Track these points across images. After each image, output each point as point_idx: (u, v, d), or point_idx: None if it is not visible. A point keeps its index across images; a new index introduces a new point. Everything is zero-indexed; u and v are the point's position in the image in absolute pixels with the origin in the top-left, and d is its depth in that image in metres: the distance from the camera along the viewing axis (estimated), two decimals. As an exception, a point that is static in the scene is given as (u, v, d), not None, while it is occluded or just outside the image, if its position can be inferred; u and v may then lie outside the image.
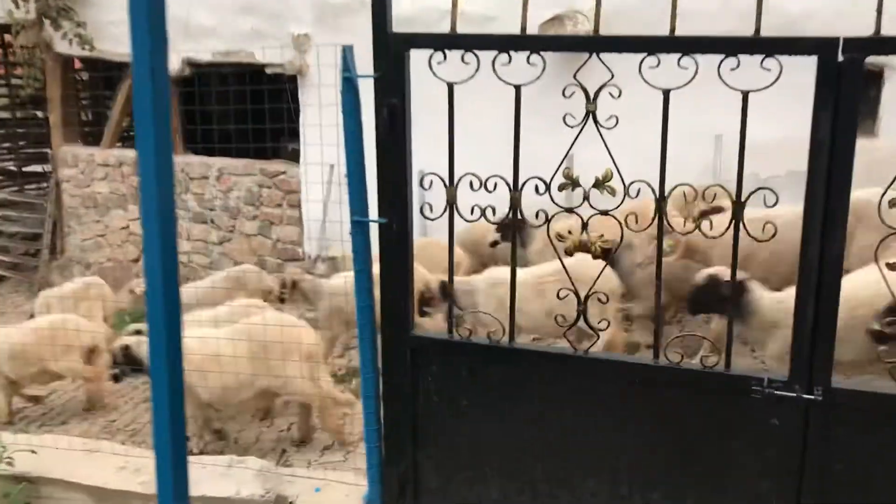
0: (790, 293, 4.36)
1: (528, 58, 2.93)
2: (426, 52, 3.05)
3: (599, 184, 2.96)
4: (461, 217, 3.20)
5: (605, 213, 3.00)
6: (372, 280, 3.38)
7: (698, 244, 6.54)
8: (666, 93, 2.85)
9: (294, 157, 10.92)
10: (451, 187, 3.17)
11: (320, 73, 9.09)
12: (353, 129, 3.22)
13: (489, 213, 3.15)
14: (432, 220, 3.22)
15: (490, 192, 3.12)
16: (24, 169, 15.11)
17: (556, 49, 2.93)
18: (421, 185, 3.18)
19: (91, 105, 15.80)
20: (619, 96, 2.87)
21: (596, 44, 2.90)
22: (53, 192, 13.48)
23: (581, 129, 2.93)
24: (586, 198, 2.98)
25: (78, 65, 15.38)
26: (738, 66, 2.73)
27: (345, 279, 7.16)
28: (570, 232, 3.07)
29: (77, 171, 13.03)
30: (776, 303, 4.35)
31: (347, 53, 3.16)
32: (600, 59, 2.88)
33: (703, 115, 7.73)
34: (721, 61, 2.74)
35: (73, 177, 13.09)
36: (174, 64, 11.61)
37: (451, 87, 3.08)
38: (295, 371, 5.63)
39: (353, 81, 3.18)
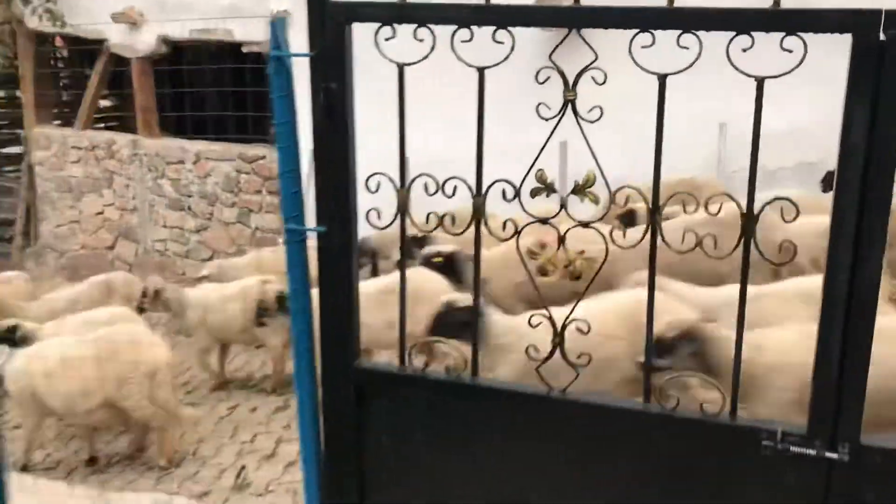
0: (525, 317, 4.30)
1: (494, 34, 2.38)
2: (372, 27, 2.51)
3: (580, 189, 2.42)
4: (415, 226, 2.66)
5: (585, 224, 2.46)
6: (310, 299, 2.84)
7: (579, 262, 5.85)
8: (662, 79, 2.31)
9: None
10: (402, 190, 2.63)
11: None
12: (285, 118, 2.68)
13: (448, 221, 2.62)
14: (381, 229, 2.68)
15: (449, 196, 2.59)
16: (2, 151, 14.55)
17: (527, 24, 2.38)
18: (367, 186, 2.64)
19: (72, 85, 15.23)
20: (605, 82, 2.32)
21: (576, 18, 2.35)
22: (27, 175, 12.93)
23: (558, 123, 2.39)
24: (563, 206, 2.44)
25: (60, 42, 14.82)
26: (751, 45, 2.18)
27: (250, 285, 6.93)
28: (543, 247, 2.52)
29: (50, 153, 12.47)
30: (508, 327, 4.09)
31: (277, 27, 2.60)
32: (581, 37, 2.33)
33: (707, 99, 7.19)
34: (731, 40, 2.19)
35: (46, 159, 12.54)
36: (149, 41, 11.05)
37: (401, 69, 2.54)
38: (138, 387, 5.68)
39: (284, 61, 2.63)
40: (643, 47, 2.25)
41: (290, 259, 2.79)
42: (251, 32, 9.90)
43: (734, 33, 2.18)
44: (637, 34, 2.25)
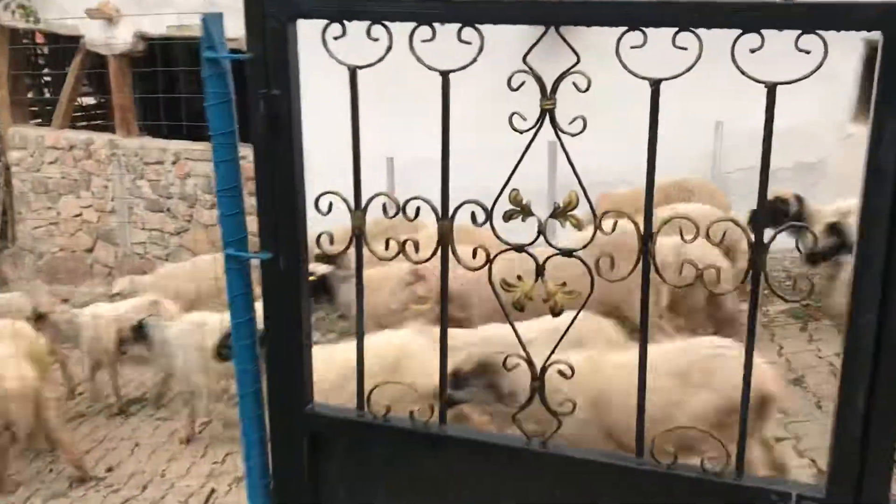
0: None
1: (460, 33, 2.04)
2: (320, 24, 2.16)
3: (560, 213, 2.08)
4: (372, 253, 2.32)
5: (567, 253, 2.12)
6: (255, 332, 2.50)
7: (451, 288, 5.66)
8: (655, 84, 1.96)
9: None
10: (357, 212, 2.28)
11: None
12: (223, 128, 2.33)
13: (410, 248, 2.27)
14: (333, 256, 2.34)
15: (411, 219, 2.25)
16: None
17: (497, 21, 2.03)
18: (317, 208, 2.30)
19: (52, 83, 14.88)
20: (588, 89, 1.97)
21: (555, 14, 2.00)
22: (2, 175, 12.56)
23: (534, 136, 2.05)
24: (541, 232, 2.10)
25: (41, 38, 14.44)
26: (761, 45, 1.84)
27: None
28: (519, 278, 2.18)
29: (26, 153, 12.10)
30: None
31: (210, 24, 2.25)
32: (560, 36, 1.99)
33: (701, 96, 6.83)
34: (736, 39, 1.85)
35: (22, 160, 12.16)
36: (126, 37, 10.68)
37: (353, 72, 2.20)
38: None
39: (220, 63, 2.29)
40: (633, 48, 1.91)
41: (231, 288, 2.44)
42: (230, 28, 9.53)
43: (740, 31, 1.84)
44: (626, 32, 1.91)
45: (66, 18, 10.64)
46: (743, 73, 1.87)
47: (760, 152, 1.94)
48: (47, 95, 14.30)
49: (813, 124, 8.07)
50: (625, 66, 1.93)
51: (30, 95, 13.80)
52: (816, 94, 6.49)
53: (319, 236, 2.31)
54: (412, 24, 2.07)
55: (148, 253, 11.30)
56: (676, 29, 1.86)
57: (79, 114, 14.15)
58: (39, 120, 13.26)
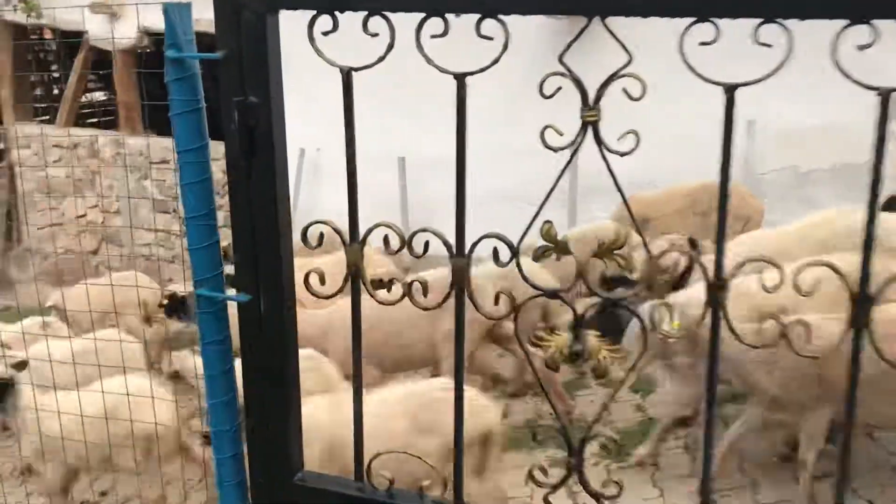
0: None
1: (480, 25, 1.62)
2: (305, 17, 1.75)
3: (604, 251, 1.66)
4: (369, 293, 1.90)
5: (614, 303, 1.69)
6: (234, 387, 2.10)
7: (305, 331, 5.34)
8: (730, 91, 1.54)
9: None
10: (352, 245, 1.87)
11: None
12: (189, 143, 1.93)
13: (417, 289, 1.86)
14: (326, 297, 1.93)
15: (417, 256, 1.84)
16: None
17: (529, 10, 1.62)
18: (304, 240, 1.89)
19: (62, 79, 14.56)
20: (642, 96, 1.55)
21: (600, 1, 1.57)
22: (7, 174, 12.25)
23: (574, 154, 1.63)
24: (581, 275, 1.68)
25: (49, 34, 14.13)
26: (872, 42, 1.41)
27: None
28: (553, 332, 1.75)
29: (30, 152, 11.78)
30: (30, 398, 4.82)
31: (172, 14, 1.84)
32: (608, 29, 1.56)
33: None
34: (840, 31, 1.42)
35: (26, 158, 11.84)
36: (129, 33, 10.33)
37: (347, 75, 1.78)
38: None
39: (187, 64, 1.88)
40: (702, 44, 1.49)
41: (203, 334, 2.04)
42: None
43: (847, 22, 1.40)
44: (693, 24, 1.48)
45: (68, 6, 10.27)
46: (847, 76, 1.44)
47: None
48: (56, 93, 13.98)
49: (853, 122, 7.57)
50: (691, 69, 1.49)
51: (38, 93, 13.49)
52: (856, 88, 6.04)
53: (308, 275, 1.89)
54: (419, 16, 1.66)
55: (153, 255, 10.94)
56: (761, 20, 1.43)
57: (87, 111, 13.83)
58: (47, 117, 12.93)
